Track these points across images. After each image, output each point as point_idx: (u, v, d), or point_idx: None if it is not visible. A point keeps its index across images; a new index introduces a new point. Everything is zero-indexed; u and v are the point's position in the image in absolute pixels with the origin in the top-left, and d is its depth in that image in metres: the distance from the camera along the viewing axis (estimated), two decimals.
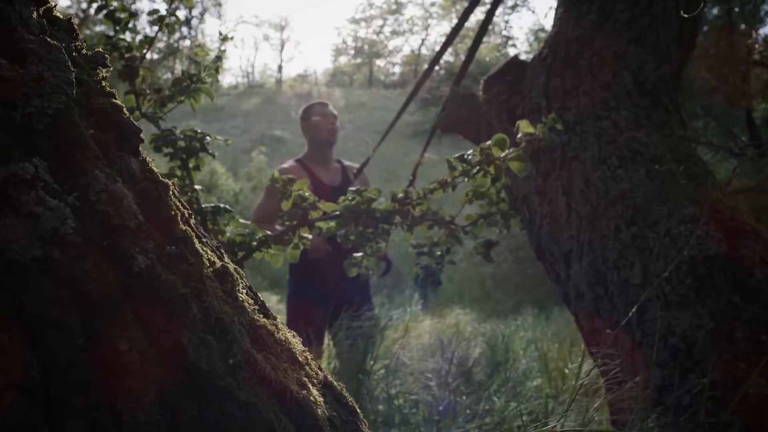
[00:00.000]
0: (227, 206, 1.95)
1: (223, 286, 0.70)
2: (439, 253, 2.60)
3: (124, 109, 0.75)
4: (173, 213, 0.70)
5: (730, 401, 1.82)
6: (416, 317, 7.80)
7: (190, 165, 1.98)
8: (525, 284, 15.30)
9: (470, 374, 4.45)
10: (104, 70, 0.81)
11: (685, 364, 1.96)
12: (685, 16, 2.40)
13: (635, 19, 2.73)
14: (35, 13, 0.76)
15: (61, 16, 0.84)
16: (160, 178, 0.72)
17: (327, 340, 4.15)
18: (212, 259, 0.72)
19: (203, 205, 1.92)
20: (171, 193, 0.72)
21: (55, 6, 0.83)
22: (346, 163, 4.41)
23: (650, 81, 2.62)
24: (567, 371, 3.93)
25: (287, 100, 38.93)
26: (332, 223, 2.17)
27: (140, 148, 0.74)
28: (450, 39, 4.16)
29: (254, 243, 1.94)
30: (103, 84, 0.77)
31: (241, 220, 1.99)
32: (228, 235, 1.93)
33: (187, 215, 0.74)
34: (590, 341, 2.40)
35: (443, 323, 7.84)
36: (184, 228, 0.70)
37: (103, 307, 0.58)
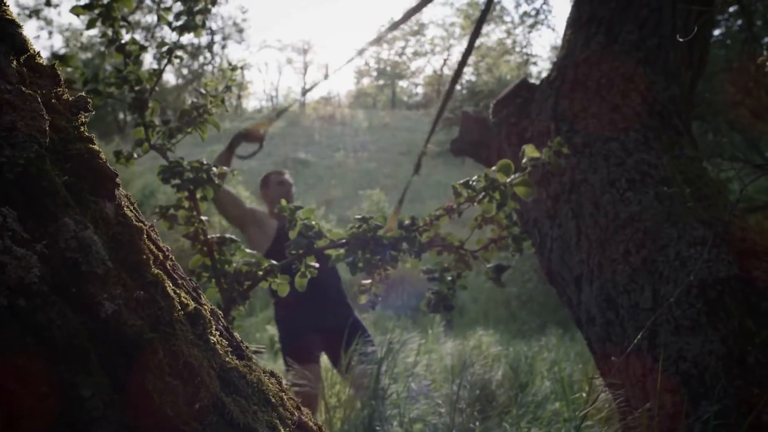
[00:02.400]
0: (233, 236, 1.97)
1: (194, 329, 0.71)
2: (450, 278, 2.59)
3: (101, 154, 0.77)
4: (145, 257, 0.71)
5: (742, 428, 1.79)
6: (438, 339, 7.76)
7: (198, 196, 2.00)
8: (550, 304, 15.17)
9: (493, 397, 4.41)
10: (85, 115, 0.83)
11: (697, 390, 1.93)
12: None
13: (643, 40, 2.73)
14: (15, 63, 0.78)
15: (44, 63, 0.86)
16: (134, 222, 0.73)
17: (323, 365, 4.22)
18: (185, 301, 0.73)
19: (209, 236, 1.94)
20: (145, 236, 0.73)
21: (38, 53, 0.84)
22: None
23: (660, 102, 2.61)
24: (584, 395, 3.88)
25: (311, 122, 39.21)
26: (340, 251, 2.18)
27: (116, 192, 0.76)
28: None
29: (260, 272, 1.95)
30: (82, 129, 0.79)
31: (247, 250, 2.00)
32: (234, 265, 1.95)
33: (162, 258, 0.75)
34: (602, 366, 2.37)
35: (465, 345, 7.79)
36: (156, 272, 0.71)
37: (68, 354, 0.59)
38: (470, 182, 2.04)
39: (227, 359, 0.73)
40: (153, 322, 0.66)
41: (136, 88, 2.24)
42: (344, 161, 29.76)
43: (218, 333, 0.75)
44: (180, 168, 1.98)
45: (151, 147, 2.10)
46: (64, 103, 0.83)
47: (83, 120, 0.82)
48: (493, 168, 2.05)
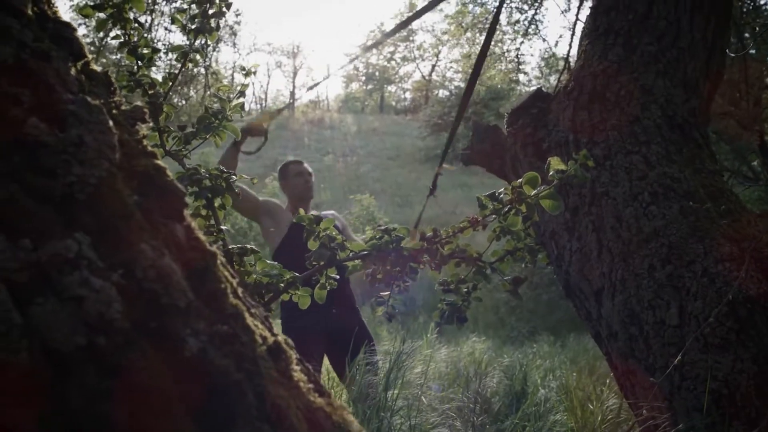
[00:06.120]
0: (254, 247, 1.91)
1: (276, 365, 0.65)
2: (465, 290, 2.53)
3: (167, 171, 0.71)
4: (223, 286, 0.65)
5: None
6: (432, 345, 7.73)
7: (216, 204, 1.94)
8: (539, 310, 15.22)
9: (489, 405, 4.36)
10: (144, 127, 0.76)
11: (729, 410, 1.89)
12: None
13: (662, 52, 2.69)
14: (73, 69, 0.71)
15: (98, 70, 0.79)
16: (208, 247, 0.67)
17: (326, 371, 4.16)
18: (264, 334, 0.66)
19: (230, 247, 1.87)
20: (219, 262, 0.67)
21: (92, 59, 0.78)
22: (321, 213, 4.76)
23: (680, 114, 2.57)
24: (592, 407, 3.83)
25: (300, 126, 39.11)
26: (357, 261, 2.12)
27: (185, 213, 0.69)
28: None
29: (281, 284, 1.89)
30: (145, 143, 0.73)
31: (268, 261, 1.94)
32: (254, 276, 1.89)
33: (235, 285, 0.69)
34: (624, 382, 2.32)
35: (459, 352, 7.77)
36: (234, 302, 0.64)
37: (152, 400, 0.53)
38: (497, 194, 1.98)
39: (311, 398, 0.66)
40: (237, 360, 0.60)
41: (150, 92, 2.17)
42: (333, 165, 29.72)
43: (299, 368, 0.69)
44: (198, 175, 1.92)
45: (167, 153, 2.03)
46: (122, 113, 0.76)
47: (144, 133, 0.75)
48: (520, 180, 2.00)
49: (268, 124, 3.94)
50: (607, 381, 4.07)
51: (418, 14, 4.43)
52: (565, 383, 4.89)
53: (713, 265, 2.09)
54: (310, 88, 3.59)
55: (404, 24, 4.27)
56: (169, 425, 0.54)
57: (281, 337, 0.70)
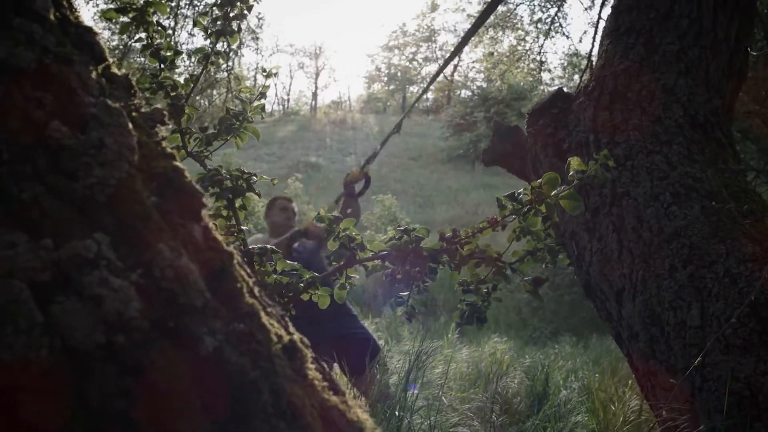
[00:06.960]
0: (273, 247, 1.92)
1: (292, 363, 0.66)
2: (485, 290, 2.53)
3: (186, 172, 0.72)
4: (239, 285, 0.66)
5: None
6: (453, 345, 7.73)
7: (237, 205, 1.96)
8: (562, 311, 15.15)
9: (510, 405, 4.35)
10: (163, 129, 0.78)
11: (751, 412, 1.87)
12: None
13: (684, 51, 2.67)
14: (94, 73, 0.73)
15: (119, 73, 0.81)
16: (225, 247, 0.68)
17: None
18: (279, 332, 0.67)
19: (251, 247, 1.89)
20: (236, 262, 0.68)
21: (113, 62, 0.80)
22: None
23: (702, 114, 2.55)
24: (613, 408, 3.81)
25: (322, 126, 39.24)
26: (376, 262, 2.13)
27: (203, 214, 0.71)
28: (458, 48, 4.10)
29: (301, 285, 1.90)
30: (164, 145, 0.74)
31: (288, 261, 1.95)
32: (274, 277, 1.90)
33: (251, 284, 0.70)
34: (645, 384, 2.31)
35: (481, 352, 7.75)
36: (250, 301, 0.65)
37: (170, 399, 0.54)
38: (516, 194, 1.98)
39: (326, 396, 0.67)
40: (253, 358, 0.61)
41: (172, 94, 2.20)
42: (355, 166, 29.75)
43: (313, 366, 0.70)
44: (219, 176, 1.94)
45: (188, 154, 2.05)
46: (142, 115, 0.78)
47: (163, 135, 0.77)
48: (540, 180, 1.99)
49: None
50: (630, 382, 4.06)
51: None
52: (587, 384, 4.87)
53: (735, 266, 2.07)
54: (368, 160, 3.55)
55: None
56: (186, 423, 0.55)
57: (296, 336, 0.71)
